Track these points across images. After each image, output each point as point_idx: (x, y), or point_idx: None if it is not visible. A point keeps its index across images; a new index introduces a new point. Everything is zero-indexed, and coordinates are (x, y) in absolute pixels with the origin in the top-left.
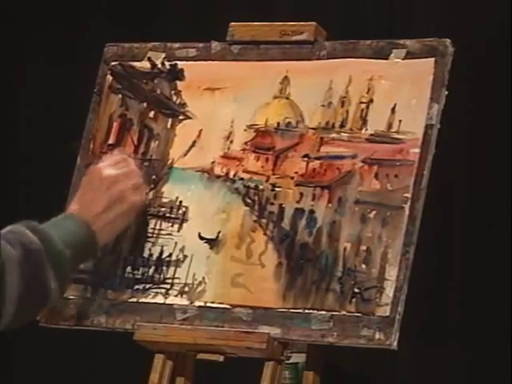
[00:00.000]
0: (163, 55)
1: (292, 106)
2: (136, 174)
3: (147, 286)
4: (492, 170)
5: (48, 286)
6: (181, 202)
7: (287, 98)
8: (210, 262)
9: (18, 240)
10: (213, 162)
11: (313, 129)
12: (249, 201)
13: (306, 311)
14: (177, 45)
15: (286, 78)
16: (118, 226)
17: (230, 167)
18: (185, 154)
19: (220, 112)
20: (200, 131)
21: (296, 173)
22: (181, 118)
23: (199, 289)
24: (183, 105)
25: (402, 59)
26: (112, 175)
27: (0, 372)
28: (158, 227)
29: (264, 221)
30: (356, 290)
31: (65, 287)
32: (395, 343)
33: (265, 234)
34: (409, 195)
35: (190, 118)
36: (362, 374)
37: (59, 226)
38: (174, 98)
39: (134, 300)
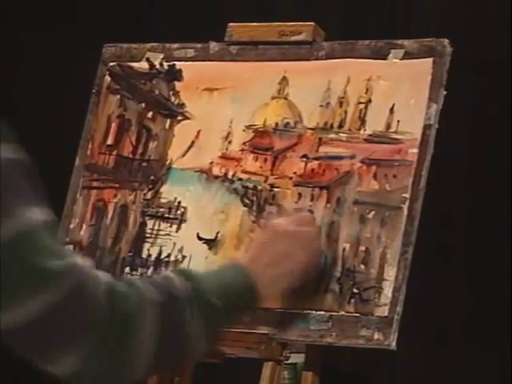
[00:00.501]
0: (161, 56)
1: (290, 107)
2: (314, 236)
3: None
4: (492, 170)
5: (187, 332)
6: (179, 202)
7: (285, 99)
8: (208, 263)
9: (165, 286)
10: (211, 163)
11: (311, 129)
12: (247, 201)
13: (305, 311)
14: (175, 45)
15: (284, 78)
16: (282, 283)
17: (228, 168)
18: (183, 155)
19: (218, 112)
20: (198, 132)
21: (294, 173)
22: (179, 118)
23: None
24: (181, 105)
25: (401, 59)
26: (290, 232)
27: (0, 372)
28: (156, 227)
29: (263, 221)
30: (355, 291)
31: (213, 338)
32: (394, 343)
33: None
34: (407, 195)
35: (188, 118)
36: (361, 374)
37: (218, 275)
38: (173, 98)
39: None
